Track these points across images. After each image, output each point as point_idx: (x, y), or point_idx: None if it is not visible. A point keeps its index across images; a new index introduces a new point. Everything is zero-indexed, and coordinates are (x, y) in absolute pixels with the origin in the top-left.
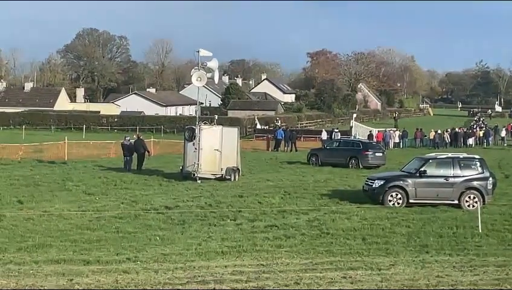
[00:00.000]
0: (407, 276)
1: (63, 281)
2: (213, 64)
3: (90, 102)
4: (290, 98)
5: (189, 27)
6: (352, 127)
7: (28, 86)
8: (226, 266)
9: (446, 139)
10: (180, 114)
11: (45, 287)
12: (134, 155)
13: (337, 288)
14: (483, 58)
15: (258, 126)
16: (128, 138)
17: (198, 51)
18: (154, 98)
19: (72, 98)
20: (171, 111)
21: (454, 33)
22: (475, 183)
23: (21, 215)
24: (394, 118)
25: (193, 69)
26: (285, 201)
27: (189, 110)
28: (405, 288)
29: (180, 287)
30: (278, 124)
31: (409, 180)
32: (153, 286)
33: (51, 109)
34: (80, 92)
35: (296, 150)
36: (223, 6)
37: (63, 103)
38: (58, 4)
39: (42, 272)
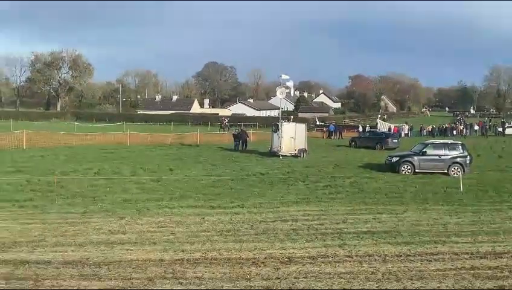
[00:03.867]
0: (414, 218)
1: (198, 218)
2: (290, 83)
3: (212, 108)
4: (337, 105)
5: (275, 61)
6: (377, 123)
7: (174, 97)
8: (299, 211)
9: (464, 131)
10: (268, 115)
11: (187, 222)
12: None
13: (369, 226)
14: (463, 78)
15: (318, 122)
16: (237, 130)
17: (281, 75)
18: (252, 105)
19: (201, 105)
20: (263, 113)
21: (445, 62)
22: (458, 159)
23: (172, 177)
24: (380, 117)
25: (277, 87)
26: (335, 170)
27: (274, 113)
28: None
29: (270, 223)
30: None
31: (415, 157)
32: (253, 224)
33: (188, 112)
34: (206, 101)
35: (342, 138)
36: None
37: (195, 108)
38: (194, 45)
39: (185, 213)
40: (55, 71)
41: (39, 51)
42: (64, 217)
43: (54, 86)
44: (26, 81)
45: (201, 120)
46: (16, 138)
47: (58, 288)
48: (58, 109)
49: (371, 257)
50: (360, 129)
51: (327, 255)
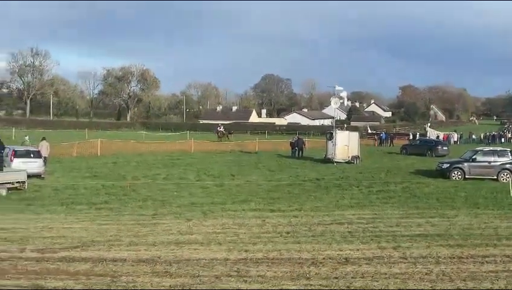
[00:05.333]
0: (466, 222)
1: (259, 221)
2: (343, 94)
3: (269, 117)
4: (388, 114)
5: (328, 72)
6: (427, 131)
7: (234, 108)
8: (353, 214)
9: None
10: (322, 124)
11: (249, 224)
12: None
13: (422, 229)
14: (511, 88)
15: (369, 131)
16: (294, 138)
17: (334, 86)
18: (306, 115)
19: (259, 115)
20: (317, 122)
21: (492, 73)
22: (507, 165)
23: (233, 183)
24: (429, 126)
25: (332, 97)
26: (387, 176)
27: (327, 122)
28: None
29: (327, 226)
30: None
31: (465, 164)
32: (311, 226)
33: (247, 121)
34: (263, 111)
35: (393, 145)
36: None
37: (253, 118)
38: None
39: (247, 215)
40: (125, 84)
41: (109, 65)
42: (136, 218)
43: (124, 98)
44: (99, 94)
45: (259, 129)
46: (91, 146)
47: (133, 283)
48: (128, 119)
49: (424, 259)
50: (411, 137)
51: (382, 257)
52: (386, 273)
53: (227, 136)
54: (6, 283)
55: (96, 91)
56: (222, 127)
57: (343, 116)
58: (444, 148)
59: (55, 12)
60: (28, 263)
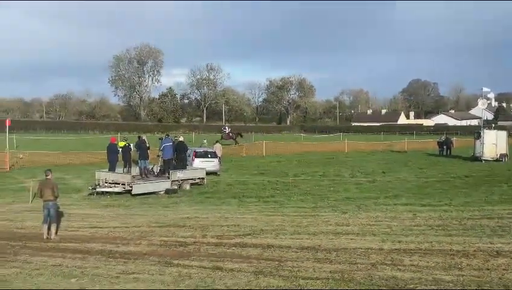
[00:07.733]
0: None
1: (410, 214)
2: (490, 95)
3: (417, 118)
4: None
5: (475, 74)
6: None
7: (383, 111)
8: (504, 209)
9: None
10: (468, 124)
11: (401, 217)
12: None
13: None
14: None
15: None
16: (442, 137)
17: (482, 88)
18: (453, 116)
19: (407, 117)
20: (463, 123)
21: None
22: None
23: (384, 179)
24: None
25: (479, 99)
26: None
27: (474, 122)
28: None
29: (477, 220)
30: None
31: None
32: (461, 220)
33: (395, 123)
34: (411, 114)
35: None
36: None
37: (402, 120)
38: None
39: (398, 209)
40: (285, 92)
41: (271, 76)
42: (298, 210)
43: (284, 104)
44: (262, 101)
45: (408, 130)
46: (257, 147)
47: (297, 268)
48: (288, 123)
49: None
50: None
51: None
52: None
53: (235, 139)
54: (192, 264)
55: (260, 99)
56: (228, 129)
57: (490, 117)
58: None
59: (226, 36)
60: (209, 247)
